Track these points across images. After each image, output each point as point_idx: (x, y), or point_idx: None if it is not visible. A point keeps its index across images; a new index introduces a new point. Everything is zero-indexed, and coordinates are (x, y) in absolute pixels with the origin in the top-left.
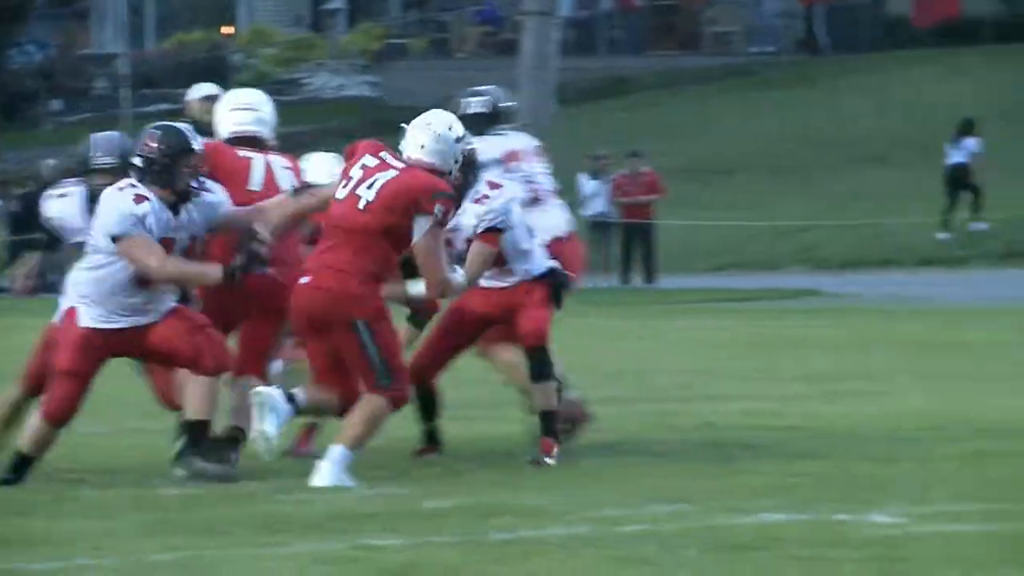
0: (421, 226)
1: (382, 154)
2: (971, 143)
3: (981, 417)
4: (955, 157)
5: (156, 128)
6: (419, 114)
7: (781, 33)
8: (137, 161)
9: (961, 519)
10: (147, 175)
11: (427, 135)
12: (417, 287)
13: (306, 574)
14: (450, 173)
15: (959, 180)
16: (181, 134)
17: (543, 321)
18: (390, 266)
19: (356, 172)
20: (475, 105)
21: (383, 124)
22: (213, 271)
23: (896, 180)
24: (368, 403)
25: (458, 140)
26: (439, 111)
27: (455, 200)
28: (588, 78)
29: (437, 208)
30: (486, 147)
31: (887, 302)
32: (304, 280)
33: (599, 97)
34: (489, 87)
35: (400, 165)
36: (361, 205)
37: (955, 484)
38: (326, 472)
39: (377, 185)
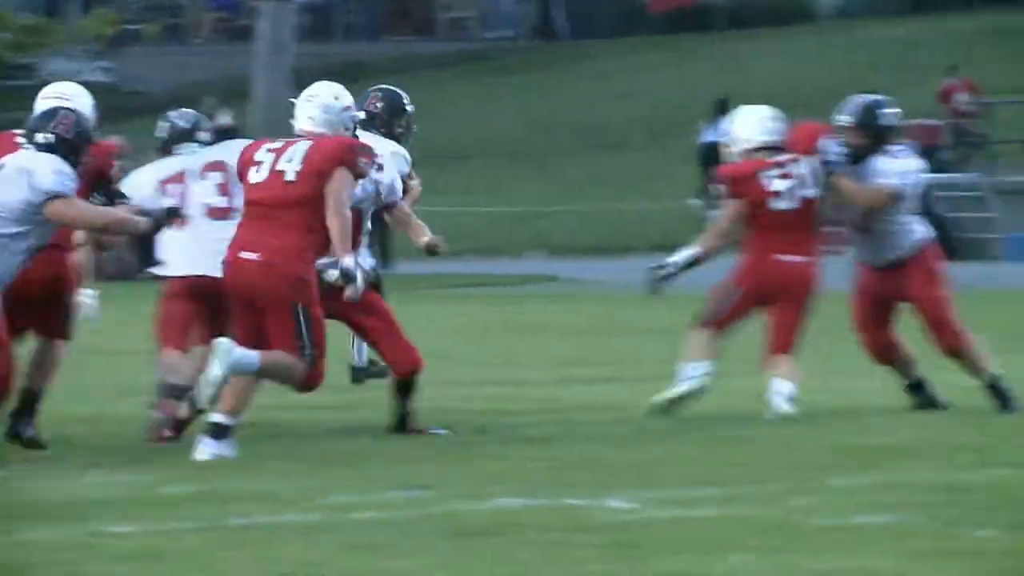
0: (340, 176)
1: (278, 141)
2: (725, 123)
3: (717, 401)
4: (709, 136)
5: None
6: (153, 100)
7: (518, 19)
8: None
9: (696, 504)
10: None
11: (315, 107)
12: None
13: (42, 561)
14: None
15: (712, 158)
16: None
17: None
18: (326, 238)
19: (264, 156)
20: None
21: (117, 111)
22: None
23: (633, 165)
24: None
25: (345, 109)
26: (325, 83)
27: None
28: (325, 64)
29: (362, 162)
30: None
31: (625, 288)
32: (245, 255)
33: (336, 82)
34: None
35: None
36: (290, 177)
37: (691, 468)
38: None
39: (299, 155)
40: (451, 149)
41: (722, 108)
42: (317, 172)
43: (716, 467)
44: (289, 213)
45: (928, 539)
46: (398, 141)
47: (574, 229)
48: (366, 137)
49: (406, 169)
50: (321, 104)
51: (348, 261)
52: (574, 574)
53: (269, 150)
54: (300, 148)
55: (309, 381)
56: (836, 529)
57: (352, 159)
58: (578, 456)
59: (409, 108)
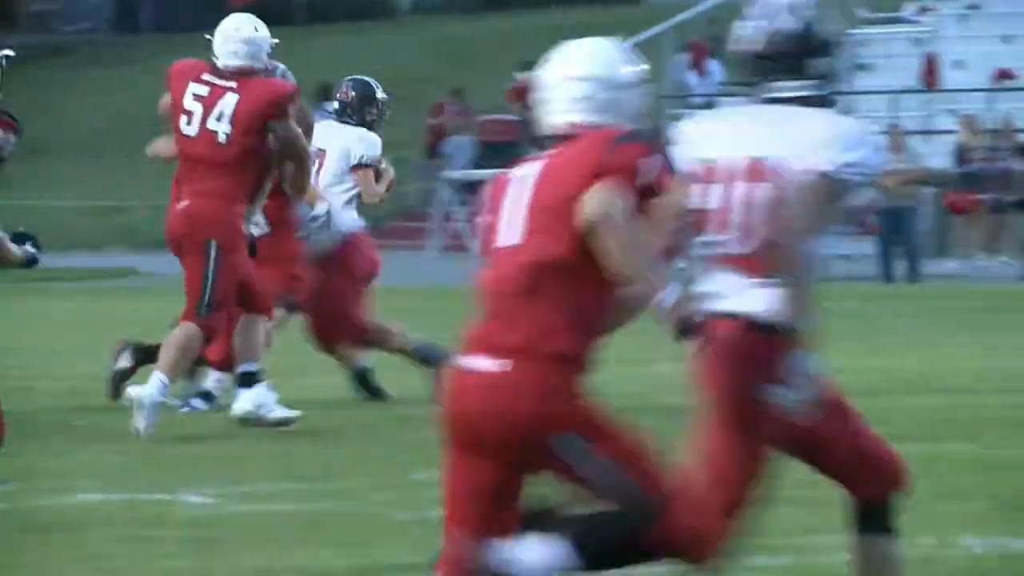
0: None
1: (205, 76)
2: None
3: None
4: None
5: None
6: None
7: (101, 11)
8: None
9: (274, 499)
10: None
11: (237, 41)
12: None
13: None
14: (264, 68)
15: None
16: None
17: None
18: (261, 185)
19: (192, 104)
20: None
21: None
22: None
23: None
24: (182, 331)
25: (264, 37)
26: (236, 15)
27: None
28: None
29: (291, 109)
30: None
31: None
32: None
33: None
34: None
35: (232, 84)
36: (221, 139)
37: (270, 464)
38: (148, 397)
39: (227, 114)
40: (33, 143)
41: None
42: (246, 132)
43: (298, 463)
44: (228, 169)
45: None
46: (370, 128)
47: (155, 223)
48: (336, 125)
49: (376, 153)
50: (244, 38)
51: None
52: (153, 569)
53: (195, 96)
54: (226, 106)
55: (206, 330)
56: (416, 523)
57: (280, 113)
58: (156, 451)
59: (380, 96)
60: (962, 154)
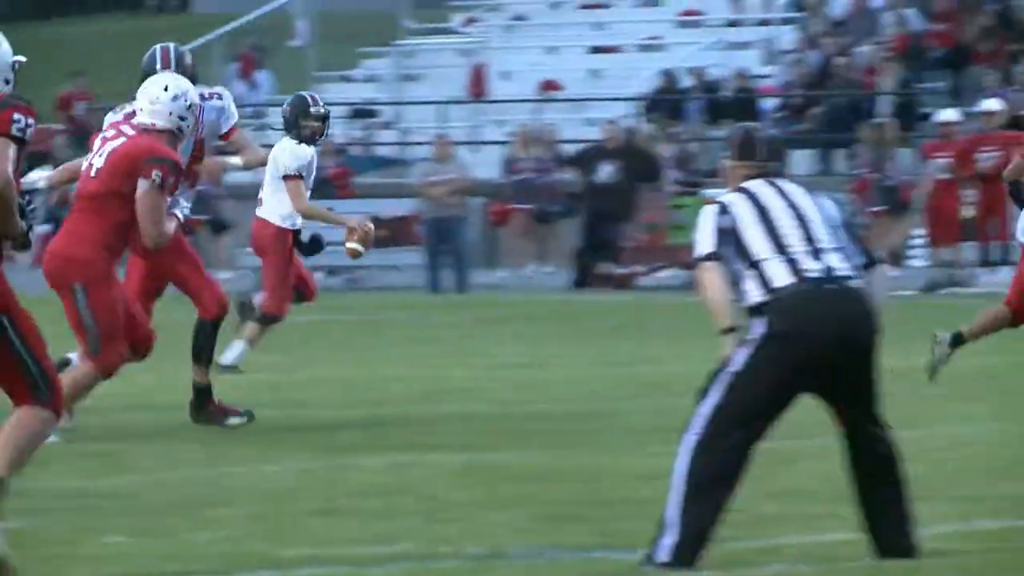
0: (141, 187)
1: (123, 126)
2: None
3: None
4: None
5: None
6: None
7: None
8: None
9: None
10: None
11: (143, 98)
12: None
13: None
14: (180, 131)
15: None
16: None
17: None
18: (120, 231)
19: (96, 144)
20: None
21: None
22: None
23: None
24: (77, 369)
25: (175, 99)
26: (162, 74)
27: (178, 168)
28: None
29: (155, 173)
30: None
31: None
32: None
33: None
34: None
35: (130, 132)
36: (93, 173)
37: None
38: None
39: (106, 152)
40: None
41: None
42: (112, 173)
43: None
44: (91, 204)
45: (58, 545)
46: (308, 141)
47: None
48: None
49: (300, 164)
50: (150, 95)
51: None
52: None
53: (102, 138)
54: (111, 146)
55: (101, 366)
56: None
57: (144, 170)
58: None
59: (315, 110)
60: (510, 164)
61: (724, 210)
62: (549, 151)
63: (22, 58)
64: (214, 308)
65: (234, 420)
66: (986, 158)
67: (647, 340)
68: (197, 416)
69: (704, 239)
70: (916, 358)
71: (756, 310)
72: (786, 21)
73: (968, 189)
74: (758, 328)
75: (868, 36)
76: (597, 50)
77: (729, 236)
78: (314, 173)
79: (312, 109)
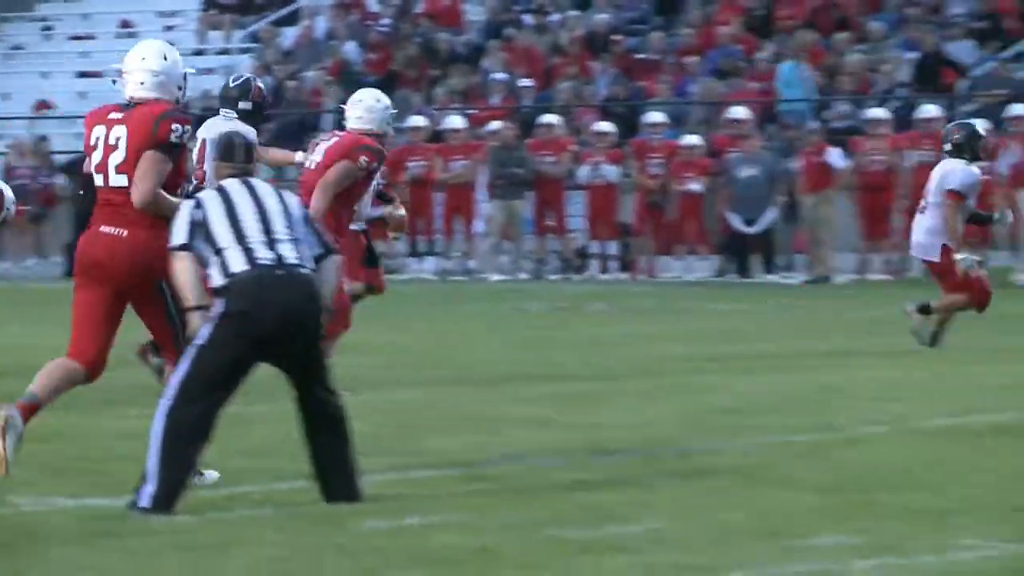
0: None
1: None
2: None
3: None
4: None
5: None
6: None
7: None
8: None
9: None
10: None
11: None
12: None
13: None
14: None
15: None
16: None
17: None
18: (333, 212)
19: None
20: None
21: None
22: None
23: None
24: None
25: (385, 108)
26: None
27: (381, 155)
28: None
29: (362, 159)
30: None
31: None
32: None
33: None
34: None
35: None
36: (312, 166)
37: None
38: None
39: (322, 148)
40: None
41: None
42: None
43: None
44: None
45: None
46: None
47: None
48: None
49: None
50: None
51: None
52: None
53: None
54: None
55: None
56: None
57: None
58: None
59: (259, 84)
60: (9, 171)
61: (198, 205)
62: (43, 160)
63: (192, 70)
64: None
65: None
66: (414, 166)
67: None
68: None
69: (178, 231)
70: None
71: (218, 292)
72: (244, 51)
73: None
74: (218, 307)
75: (313, 63)
76: (84, 75)
77: (201, 228)
78: None
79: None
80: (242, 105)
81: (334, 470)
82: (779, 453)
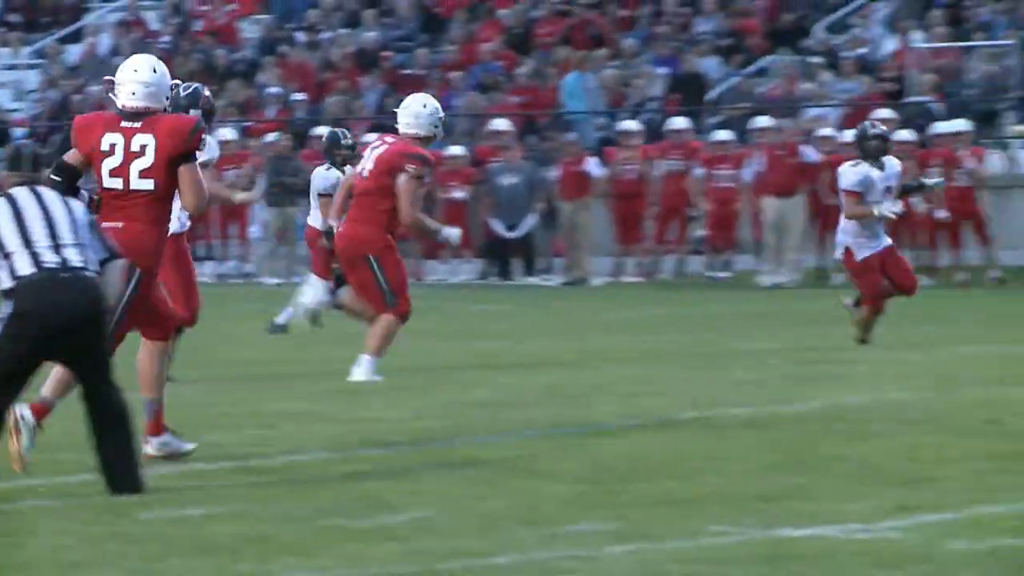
0: (400, 179)
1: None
2: None
3: None
4: None
5: None
6: None
7: None
8: None
9: None
10: None
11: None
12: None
13: None
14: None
15: None
16: None
17: None
18: (391, 215)
19: (116, 145)
20: None
21: None
22: None
23: None
24: (382, 321)
25: (432, 113)
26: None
27: (428, 161)
28: None
29: (410, 167)
30: None
31: None
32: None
33: None
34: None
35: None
36: (365, 174)
37: None
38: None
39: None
40: None
41: None
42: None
43: None
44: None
45: None
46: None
47: None
48: None
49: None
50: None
51: None
52: None
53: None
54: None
55: (400, 313)
56: None
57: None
58: None
59: (206, 93)
60: None
61: None
62: None
63: (178, 82)
64: (187, 315)
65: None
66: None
67: None
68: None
69: None
70: None
71: (7, 294)
72: (31, 66)
73: None
74: (7, 308)
75: (97, 78)
76: None
77: None
78: None
79: (204, 92)
80: (192, 113)
81: (118, 463)
82: (540, 445)
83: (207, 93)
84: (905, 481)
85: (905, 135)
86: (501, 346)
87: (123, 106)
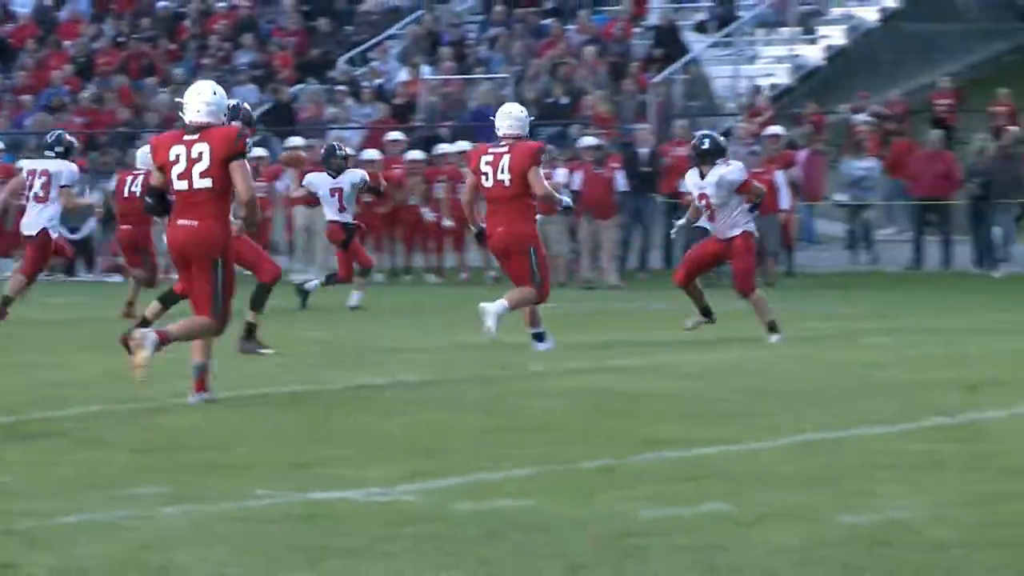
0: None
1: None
2: None
3: None
4: None
5: None
6: None
7: None
8: None
9: None
10: None
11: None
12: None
13: None
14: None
15: None
16: None
17: None
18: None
19: (180, 155)
20: None
21: None
22: None
23: None
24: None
25: (528, 117)
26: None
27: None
28: None
29: (247, 144)
30: None
31: None
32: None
33: None
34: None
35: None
36: (507, 183)
37: None
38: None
39: (205, 157)
40: None
41: None
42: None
43: None
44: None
45: None
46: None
47: None
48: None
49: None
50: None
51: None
52: None
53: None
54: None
55: (541, 295)
56: None
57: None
58: None
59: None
60: None
61: None
62: None
63: (235, 101)
64: (268, 276)
65: (266, 351)
66: None
67: None
68: (242, 345)
69: None
70: None
71: None
72: None
73: None
74: None
75: None
76: None
77: None
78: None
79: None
80: (234, 124)
81: None
82: (102, 420)
83: (246, 106)
84: (419, 452)
85: (416, 154)
86: (68, 334)
87: (190, 121)
